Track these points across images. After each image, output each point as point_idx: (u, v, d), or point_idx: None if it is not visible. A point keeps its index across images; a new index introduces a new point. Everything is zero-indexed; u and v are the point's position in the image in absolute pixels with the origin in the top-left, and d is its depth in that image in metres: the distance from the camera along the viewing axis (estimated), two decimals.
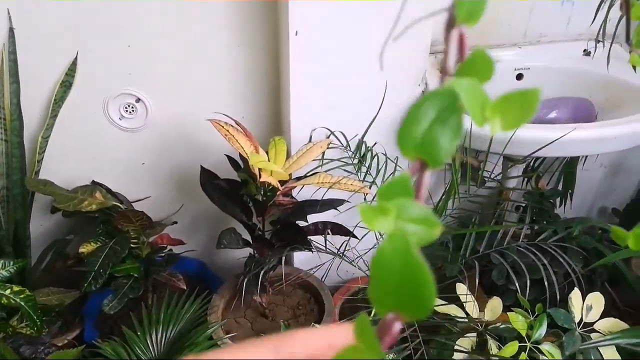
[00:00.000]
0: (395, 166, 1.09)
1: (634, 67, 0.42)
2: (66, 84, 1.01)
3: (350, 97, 1.01)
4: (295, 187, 0.97)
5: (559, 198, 1.29)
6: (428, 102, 0.16)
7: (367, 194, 1.04)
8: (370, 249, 1.07)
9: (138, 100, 1.05)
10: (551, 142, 0.90)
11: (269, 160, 0.94)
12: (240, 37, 1.01)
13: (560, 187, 1.32)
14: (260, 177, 0.85)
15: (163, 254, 1.06)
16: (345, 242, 1.01)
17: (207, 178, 0.95)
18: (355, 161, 1.07)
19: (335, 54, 0.95)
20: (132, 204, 1.10)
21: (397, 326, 0.15)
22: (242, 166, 0.97)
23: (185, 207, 1.19)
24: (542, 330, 0.88)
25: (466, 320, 0.98)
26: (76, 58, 0.99)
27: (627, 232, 0.27)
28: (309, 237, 0.95)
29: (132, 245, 0.98)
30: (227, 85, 1.06)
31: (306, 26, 0.90)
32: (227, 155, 1.00)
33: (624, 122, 0.95)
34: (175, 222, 1.13)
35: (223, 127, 0.92)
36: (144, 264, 1.01)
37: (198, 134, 1.10)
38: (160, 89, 1.05)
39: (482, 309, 1.01)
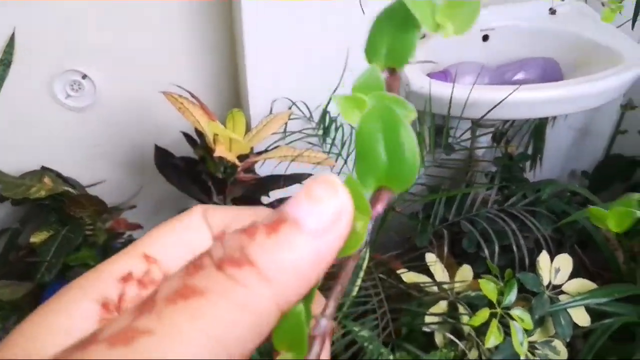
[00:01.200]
0: None
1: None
2: (5, 62, 0.94)
3: (310, 64, 0.96)
4: (256, 162, 0.93)
5: (528, 162, 1.28)
6: (387, 15, 0.17)
7: (332, 165, 1.00)
8: None
9: (84, 76, 0.99)
10: (502, 103, 0.88)
11: None
12: (190, 4, 0.95)
13: (529, 151, 1.31)
14: (216, 151, 0.81)
15: (123, 240, 1.02)
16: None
17: (162, 157, 0.91)
18: (320, 132, 1.03)
19: (292, 17, 0.90)
20: (86, 188, 1.05)
21: (386, 197, 0.16)
22: (199, 142, 0.92)
23: (144, 189, 1.14)
24: (512, 296, 0.87)
25: (436, 288, 0.96)
26: (13, 34, 0.92)
27: (605, 212, 0.25)
28: None
29: (87, 233, 0.94)
30: (179, 57, 1.01)
31: None
32: (183, 132, 0.95)
33: (589, 80, 0.93)
34: (134, 206, 1.08)
35: (177, 99, 0.87)
36: (101, 251, 0.96)
37: (152, 111, 1.05)
38: (108, 64, 0.99)
39: (454, 277, 1.00)
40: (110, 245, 0.99)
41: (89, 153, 1.07)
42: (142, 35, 0.98)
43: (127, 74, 1.01)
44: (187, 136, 0.95)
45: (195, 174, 0.92)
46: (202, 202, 0.96)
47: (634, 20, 0.87)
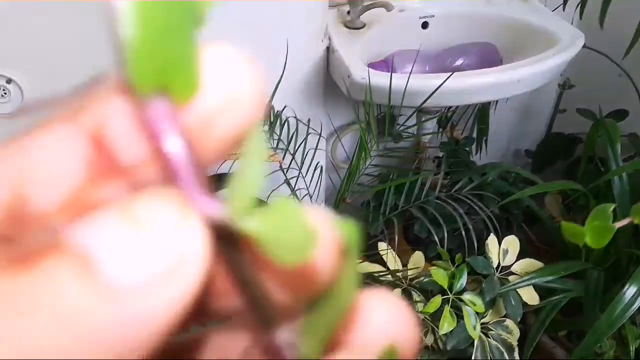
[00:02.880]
0: (308, 129, 1.04)
1: None
2: None
3: (253, 56, 0.94)
4: None
5: (473, 145, 1.30)
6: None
7: (280, 162, 0.99)
8: None
9: (9, 81, 0.92)
10: (444, 90, 0.88)
11: None
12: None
13: (474, 134, 1.33)
14: None
15: None
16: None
17: None
18: (265, 128, 1.01)
19: (234, 9, 0.87)
20: None
21: (165, 110, 0.11)
22: None
23: None
24: (462, 281, 0.89)
25: (389, 276, 0.97)
26: None
27: (581, 228, 0.23)
28: None
29: None
30: (112, 55, 0.96)
31: None
32: None
33: (525, 64, 0.94)
34: None
35: None
36: None
37: None
38: (35, 67, 0.93)
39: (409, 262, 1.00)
40: None
41: None
42: (74, 37, 0.92)
43: (58, 77, 0.96)
44: None
45: None
46: None
47: (565, 1, 0.89)
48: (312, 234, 0.11)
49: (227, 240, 0.11)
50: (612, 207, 0.23)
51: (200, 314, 0.13)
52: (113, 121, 0.11)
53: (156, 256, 0.09)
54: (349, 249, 0.13)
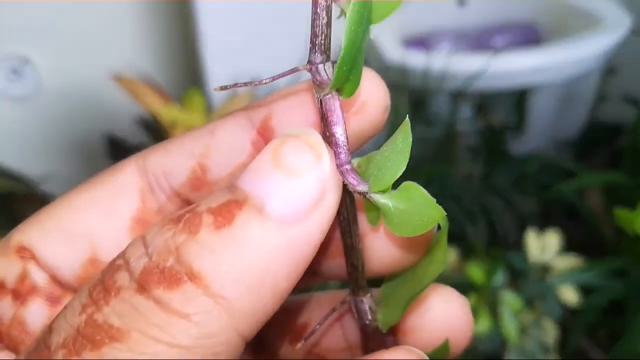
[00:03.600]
0: None
1: None
2: None
3: (274, 35, 0.89)
4: None
5: (512, 133, 1.23)
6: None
7: None
8: None
9: (26, 61, 0.89)
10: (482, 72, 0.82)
11: None
12: None
13: (512, 122, 1.26)
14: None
15: None
16: None
17: (115, 147, 0.83)
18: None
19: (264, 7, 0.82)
20: (39, 184, 0.96)
21: (338, 105, 0.15)
22: (156, 128, 0.85)
23: None
24: (499, 277, 0.83)
25: None
26: None
27: (634, 215, 0.22)
28: None
29: None
30: (131, 36, 0.92)
31: None
32: (137, 118, 0.88)
33: (566, 45, 0.88)
34: None
35: (128, 83, 0.80)
36: None
37: (103, 96, 0.96)
38: (52, 47, 0.90)
39: None
40: None
41: (39, 145, 0.99)
42: (91, 16, 0.89)
43: (75, 57, 0.93)
44: (142, 121, 0.87)
45: None
46: None
47: None
48: (434, 214, 0.13)
49: (350, 207, 0.14)
50: None
51: (315, 273, 0.16)
52: (279, 116, 0.16)
53: (306, 193, 0.12)
54: (441, 234, 0.15)
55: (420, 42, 0.96)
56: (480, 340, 0.85)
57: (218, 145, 0.15)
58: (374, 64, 0.92)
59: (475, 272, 0.82)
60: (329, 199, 0.12)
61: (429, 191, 0.71)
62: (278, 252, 0.11)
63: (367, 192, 0.13)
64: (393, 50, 0.85)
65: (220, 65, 0.88)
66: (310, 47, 0.14)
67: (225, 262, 0.10)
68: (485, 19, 1.04)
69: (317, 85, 0.14)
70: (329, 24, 0.14)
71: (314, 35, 0.14)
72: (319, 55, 0.14)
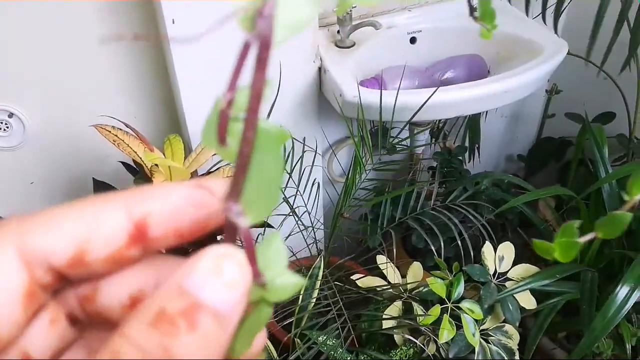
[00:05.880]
0: (304, 147, 1.07)
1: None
2: None
3: (244, 81, 0.96)
4: None
5: (466, 154, 1.33)
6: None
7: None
8: (288, 235, 1.05)
9: (11, 115, 0.95)
10: (433, 104, 0.91)
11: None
12: (118, 31, 0.93)
13: (467, 143, 1.36)
14: (154, 181, 0.80)
15: None
16: (260, 234, 0.99)
17: (102, 191, 0.88)
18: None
19: (218, 37, 0.90)
20: None
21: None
22: (139, 172, 0.91)
23: None
24: (460, 289, 0.91)
25: (390, 289, 0.99)
26: None
27: (551, 245, 0.26)
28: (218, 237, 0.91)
29: None
30: (112, 85, 0.98)
31: (182, 12, 0.84)
32: (122, 162, 0.93)
33: (511, 75, 0.97)
34: None
35: (110, 131, 0.86)
36: None
37: (88, 142, 1.02)
38: (36, 100, 0.95)
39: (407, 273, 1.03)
40: None
41: (25, 191, 1.04)
42: (73, 69, 0.95)
43: (59, 108, 0.98)
44: (126, 166, 0.93)
45: None
46: None
47: (543, 11, 0.92)
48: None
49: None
50: (577, 223, 0.27)
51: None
52: (157, 216, 0.18)
53: (240, 294, 0.16)
54: None
55: (376, 79, 1.05)
56: (447, 348, 0.92)
57: (98, 233, 0.17)
58: (334, 101, 1.00)
59: (438, 285, 0.90)
60: (242, 292, 0.16)
61: (393, 212, 0.82)
62: (225, 337, 0.15)
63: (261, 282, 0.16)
64: (350, 89, 0.93)
65: (197, 111, 0.95)
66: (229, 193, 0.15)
67: (196, 352, 0.15)
68: (435, 54, 1.13)
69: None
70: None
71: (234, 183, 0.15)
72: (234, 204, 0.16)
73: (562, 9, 0.93)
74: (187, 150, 0.96)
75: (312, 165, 1.06)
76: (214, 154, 0.94)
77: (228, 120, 0.16)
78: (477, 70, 1.10)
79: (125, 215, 0.18)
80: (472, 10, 0.48)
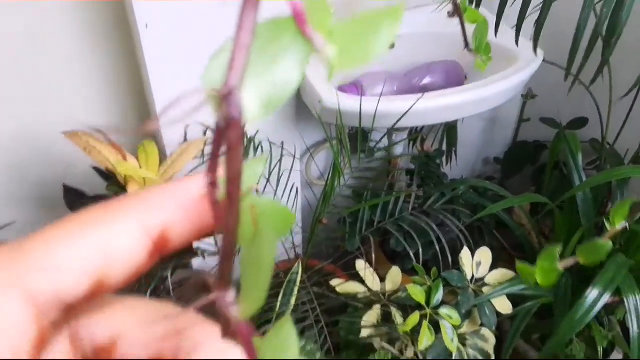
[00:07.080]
0: (282, 151, 1.06)
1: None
2: None
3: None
4: None
5: (444, 157, 1.33)
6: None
7: (256, 187, 1.00)
8: None
9: None
10: (412, 111, 0.91)
11: (140, 168, 0.86)
12: (91, 36, 0.90)
13: (444, 146, 1.37)
14: (128, 190, 0.78)
15: None
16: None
17: (73, 197, 0.86)
18: None
19: (192, 42, 0.88)
20: None
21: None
22: (112, 178, 0.88)
23: None
24: (439, 295, 0.91)
25: (368, 294, 0.99)
26: None
27: (533, 269, 0.26)
28: (195, 245, 0.89)
29: None
30: (85, 90, 0.96)
31: (155, 17, 0.83)
32: (94, 168, 0.91)
33: (488, 83, 0.98)
34: None
35: (81, 138, 0.83)
36: None
37: (59, 148, 0.99)
38: (3, 106, 0.92)
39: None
40: None
41: None
42: (44, 73, 0.92)
43: (29, 112, 0.95)
44: (99, 171, 0.90)
45: None
46: None
47: (518, 29, 0.93)
48: None
49: None
50: (558, 248, 0.27)
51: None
52: (178, 224, 0.17)
53: None
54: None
55: (355, 85, 1.04)
56: (426, 353, 0.92)
57: (116, 258, 0.15)
58: (312, 107, 0.99)
59: (417, 291, 0.90)
60: None
61: (372, 216, 0.82)
62: None
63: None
64: (329, 95, 0.92)
65: (170, 119, 0.93)
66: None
67: None
68: (413, 59, 1.13)
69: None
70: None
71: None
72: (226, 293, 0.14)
73: (542, 22, 0.94)
74: (162, 155, 0.94)
75: (291, 170, 1.05)
76: (194, 157, 0.92)
77: (217, 205, 0.14)
78: (454, 76, 1.10)
79: (143, 234, 0.16)
80: (467, 43, 0.48)
